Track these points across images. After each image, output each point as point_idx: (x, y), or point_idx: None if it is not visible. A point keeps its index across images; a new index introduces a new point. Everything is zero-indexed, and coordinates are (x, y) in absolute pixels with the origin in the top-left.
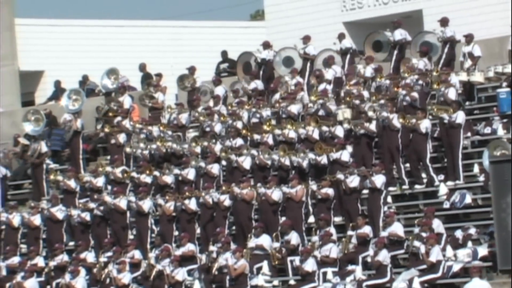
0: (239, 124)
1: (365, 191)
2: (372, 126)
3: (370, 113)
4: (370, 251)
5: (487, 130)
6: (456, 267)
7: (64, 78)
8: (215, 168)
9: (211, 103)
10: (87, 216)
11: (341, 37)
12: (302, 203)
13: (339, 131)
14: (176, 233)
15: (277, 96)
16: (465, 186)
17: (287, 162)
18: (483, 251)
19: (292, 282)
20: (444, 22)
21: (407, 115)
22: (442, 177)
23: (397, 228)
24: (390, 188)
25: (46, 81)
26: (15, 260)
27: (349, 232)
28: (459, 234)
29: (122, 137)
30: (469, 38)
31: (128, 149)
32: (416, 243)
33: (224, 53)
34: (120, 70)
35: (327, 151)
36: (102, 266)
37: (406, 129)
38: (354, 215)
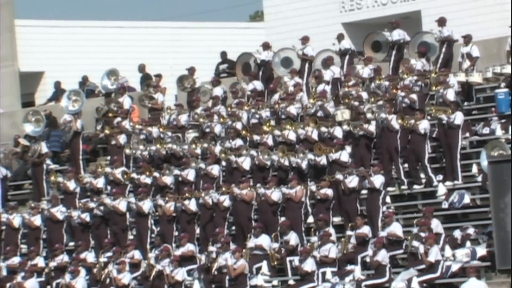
0: (238, 125)
1: (364, 191)
2: (371, 128)
3: (369, 115)
4: (369, 251)
5: (486, 130)
6: (455, 267)
7: (64, 79)
8: (215, 169)
9: (209, 104)
10: (87, 217)
11: (340, 37)
12: (301, 203)
13: (338, 132)
14: (176, 233)
15: (276, 96)
16: (464, 186)
17: (287, 163)
18: (481, 251)
19: (291, 282)
20: (441, 22)
21: (406, 116)
22: (440, 177)
23: (396, 228)
24: (389, 188)
25: (46, 82)
26: (15, 260)
27: (348, 232)
28: (457, 234)
29: (122, 138)
30: (467, 39)
31: (127, 151)
32: (415, 243)
33: (223, 54)
34: (120, 71)
35: (326, 151)
36: (102, 266)
37: (405, 130)
38: (353, 215)
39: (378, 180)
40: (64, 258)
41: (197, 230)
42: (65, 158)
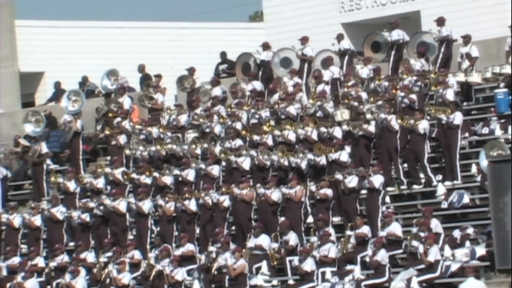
0: (238, 125)
1: (364, 191)
2: (371, 128)
3: (368, 115)
4: (368, 251)
5: (485, 130)
6: (454, 267)
7: (64, 79)
8: (215, 170)
9: (209, 104)
10: (87, 218)
11: (339, 37)
12: (301, 203)
13: (338, 132)
14: (176, 233)
15: (275, 97)
16: (463, 186)
17: (286, 163)
18: (481, 250)
19: (291, 282)
20: (440, 21)
21: (405, 116)
22: (440, 177)
23: (396, 228)
24: (389, 188)
25: (46, 82)
26: (16, 260)
27: (348, 232)
28: (457, 234)
29: (122, 138)
30: (466, 39)
31: (127, 151)
32: (415, 243)
33: (223, 54)
34: (120, 71)
35: (325, 151)
36: (102, 266)
37: (404, 130)
38: (352, 215)
39: (377, 180)
40: (64, 258)
41: (197, 230)
42: (65, 158)
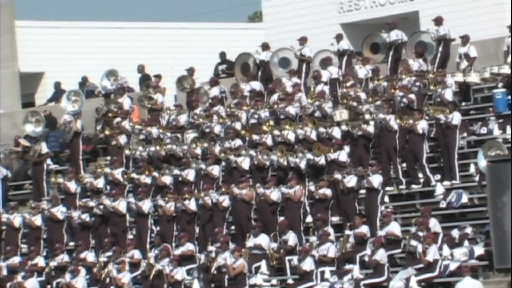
0: (237, 125)
1: (363, 191)
2: (370, 128)
3: (367, 116)
4: (367, 250)
5: (483, 130)
6: (453, 266)
7: (64, 80)
8: (215, 170)
9: (207, 104)
10: (87, 218)
11: (339, 38)
12: (300, 203)
13: (337, 132)
14: (175, 233)
15: (275, 97)
16: (462, 186)
17: (286, 163)
18: (479, 250)
19: (290, 281)
20: (438, 21)
21: (404, 116)
22: (438, 177)
23: (394, 228)
24: (387, 188)
25: (46, 82)
26: (16, 260)
27: (347, 232)
28: (455, 233)
29: (122, 139)
30: (465, 39)
31: (127, 151)
32: (413, 242)
33: (222, 55)
34: (119, 71)
35: (325, 151)
36: (102, 265)
37: (403, 130)
38: (351, 215)
39: (376, 179)
40: (64, 257)
41: (197, 230)
42: (65, 158)
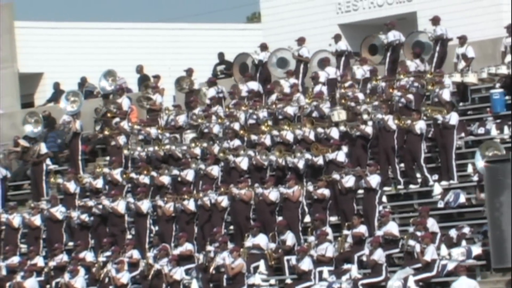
0: (236, 126)
1: (361, 191)
2: (368, 129)
3: (365, 116)
4: (365, 250)
5: (481, 130)
6: (451, 266)
7: (63, 80)
8: (215, 170)
9: (206, 105)
10: (86, 218)
11: (337, 38)
12: (298, 203)
13: (334, 133)
14: (174, 233)
15: (273, 97)
16: (459, 186)
17: (284, 163)
18: (477, 250)
19: (288, 281)
20: (435, 21)
21: (402, 117)
22: (436, 177)
23: (392, 228)
24: (385, 188)
25: (45, 83)
26: (15, 260)
27: (345, 232)
28: (453, 233)
29: (122, 139)
30: (462, 40)
31: (126, 152)
32: (411, 242)
33: (220, 55)
34: (118, 72)
35: (323, 151)
36: (101, 265)
37: (401, 130)
38: (349, 215)
39: (374, 179)
40: (63, 257)
41: (196, 230)
42: (64, 158)
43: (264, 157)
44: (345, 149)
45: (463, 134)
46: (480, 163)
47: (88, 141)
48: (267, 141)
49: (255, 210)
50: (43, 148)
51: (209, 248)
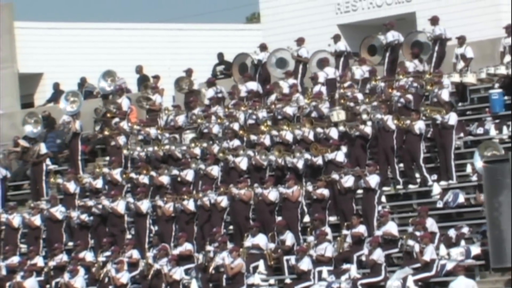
0: (235, 126)
1: (360, 191)
2: (367, 129)
3: (364, 116)
4: (364, 250)
5: (480, 130)
6: (450, 266)
7: (63, 80)
8: (215, 170)
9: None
10: (86, 218)
11: (336, 38)
12: (298, 203)
13: (334, 133)
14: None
15: (272, 97)
16: (458, 186)
17: (283, 163)
18: (476, 249)
19: (288, 281)
20: (434, 20)
21: (402, 117)
22: (435, 177)
23: (391, 227)
24: (384, 188)
25: (45, 83)
26: (15, 260)
27: (344, 232)
28: (452, 233)
29: (121, 139)
30: (461, 40)
31: (125, 151)
32: (410, 242)
33: (220, 55)
34: (118, 72)
35: (322, 151)
36: (100, 265)
37: (400, 130)
38: (348, 215)
39: (373, 179)
40: (63, 257)
41: (195, 230)
42: (63, 159)
43: (264, 157)
44: (344, 149)
45: (462, 134)
46: (479, 163)
47: (87, 141)
48: (267, 141)
49: (254, 210)
50: (43, 148)
51: (209, 248)
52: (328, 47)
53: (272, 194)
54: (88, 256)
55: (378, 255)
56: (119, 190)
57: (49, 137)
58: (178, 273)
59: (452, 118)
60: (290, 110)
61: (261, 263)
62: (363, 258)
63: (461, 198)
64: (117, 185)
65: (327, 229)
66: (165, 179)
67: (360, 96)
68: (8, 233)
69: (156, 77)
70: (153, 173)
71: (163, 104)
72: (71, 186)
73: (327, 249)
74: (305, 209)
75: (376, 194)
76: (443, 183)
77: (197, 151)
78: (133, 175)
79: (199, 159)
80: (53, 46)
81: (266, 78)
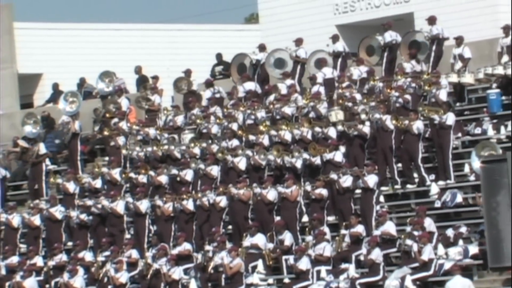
0: (234, 126)
1: (358, 191)
2: (365, 129)
3: (363, 116)
4: (363, 249)
5: (477, 130)
6: (448, 265)
7: (62, 81)
8: (214, 170)
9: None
10: (85, 218)
11: (335, 38)
12: (296, 203)
13: (332, 133)
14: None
15: (271, 97)
16: (456, 186)
17: (282, 163)
18: (473, 249)
19: (286, 280)
20: (431, 20)
21: (400, 117)
22: (433, 176)
23: (390, 227)
24: (383, 188)
25: (44, 83)
26: (14, 259)
27: (343, 231)
28: (450, 232)
29: (121, 139)
30: (459, 40)
31: (124, 152)
32: (408, 242)
33: (219, 56)
34: (117, 73)
35: (320, 151)
36: (100, 265)
37: (399, 130)
38: (347, 214)
39: (371, 179)
40: (62, 257)
41: (195, 230)
42: (62, 159)
43: (262, 157)
44: (342, 149)
45: (460, 134)
46: (476, 163)
47: (87, 141)
48: (265, 141)
49: (253, 210)
50: (42, 148)
51: (208, 247)
52: (326, 47)
53: (271, 194)
54: (88, 256)
55: (377, 254)
56: (118, 190)
57: (48, 137)
58: (177, 272)
59: (450, 118)
60: (288, 110)
61: (260, 263)
62: (362, 258)
63: (459, 198)
64: (116, 185)
65: (326, 229)
66: (163, 179)
67: (358, 96)
68: (7, 233)
69: (155, 78)
70: (151, 173)
71: (162, 104)
72: (71, 186)
73: (326, 249)
74: (303, 209)
75: (374, 194)
76: (441, 183)
77: (197, 151)
78: (132, 175)
79: (199, 159)
80: (52, 47)
81: (264, 78)
